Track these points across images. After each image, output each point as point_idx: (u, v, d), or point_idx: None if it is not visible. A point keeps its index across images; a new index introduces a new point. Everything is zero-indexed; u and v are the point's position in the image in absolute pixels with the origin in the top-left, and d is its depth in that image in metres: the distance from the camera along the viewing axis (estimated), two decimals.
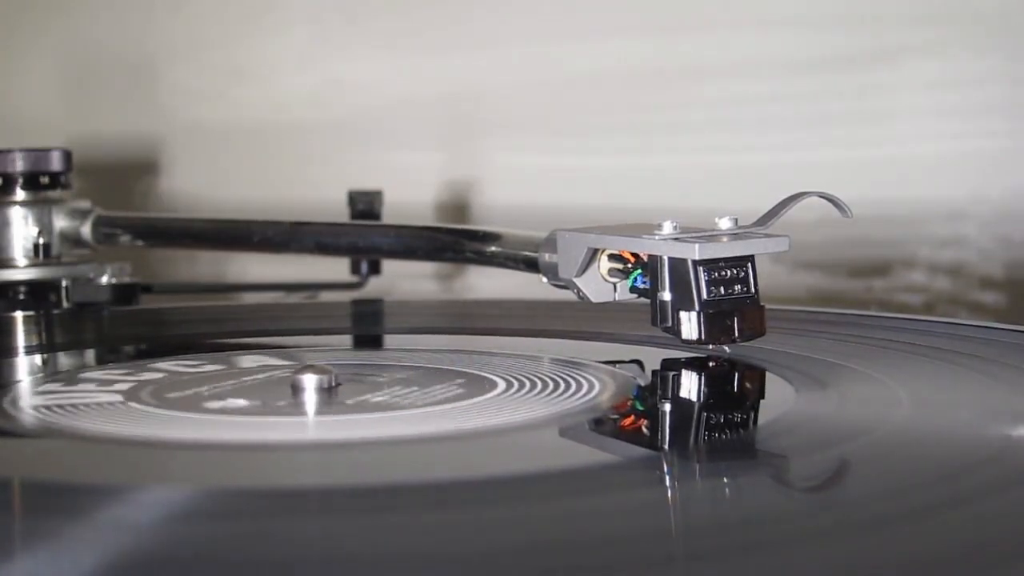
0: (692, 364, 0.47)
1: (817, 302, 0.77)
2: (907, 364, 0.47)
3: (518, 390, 0.43)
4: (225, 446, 0.37)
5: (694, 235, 0.46)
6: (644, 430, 0.40)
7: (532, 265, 0.53)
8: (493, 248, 0.57)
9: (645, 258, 0.47)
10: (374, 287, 0.75)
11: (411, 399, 0.41)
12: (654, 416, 0.42)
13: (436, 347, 0.51)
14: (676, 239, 0.45)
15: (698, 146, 0.82)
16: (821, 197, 0.47)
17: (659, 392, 0.45)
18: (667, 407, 0.43)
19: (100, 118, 1.01)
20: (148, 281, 0.72)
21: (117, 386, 0.44)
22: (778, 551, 0.28)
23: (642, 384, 0.46)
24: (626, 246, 0.48)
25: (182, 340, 0.60)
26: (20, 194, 0.69)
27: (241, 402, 0.42)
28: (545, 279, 0.52)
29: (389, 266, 0.75)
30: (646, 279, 0.47)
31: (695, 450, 0.38)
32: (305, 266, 0.78)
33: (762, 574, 0.27)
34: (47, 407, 0.41)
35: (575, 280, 0.50)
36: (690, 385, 0.46)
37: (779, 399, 0.41)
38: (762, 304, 0.46)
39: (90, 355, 0.56)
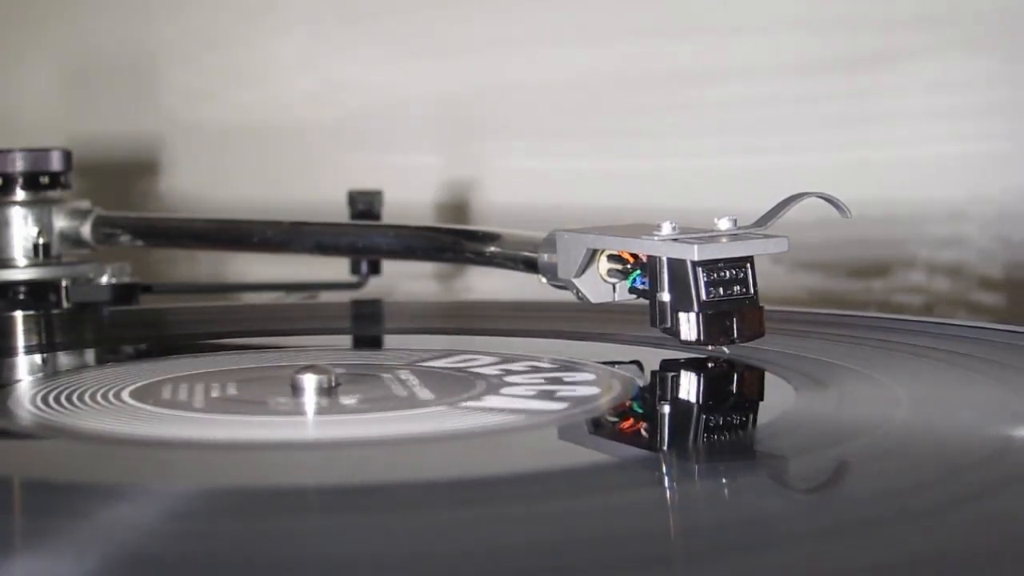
0: (691, 365, 0.47)
1: (817, 302, 0.77)
2: (907, 364, 0.47)
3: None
4: (225, 446, 0.37)
5: (693, 236, 0.46)
6: (643, 431, 0.41)
7: (531, 265, 0.53)
8: (492, 248, 0.57)
9: (644, 259, 0.47)
10: (374, 287, 0.75)
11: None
12: (653, 417, 0.42)
13: (436, 347, 0.51)
14: (675, 240, 0.45)
15: (697, 147, 0.82)
16: (820, 198, 0.47)
17: (658, 393, 0.45)
18: (666, 408, 0.43)
19: (100, 118, 1.01)
20: (148, 281, 0.72)
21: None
22: (778, 551, 0.28)
23: (641, 385, 0.46)
24: (625, 247, 0.48)
25: (182, 340, 0.60)
26: (20, 194, 0.69)
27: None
28: (544, 279, 0.52)
29: (389, 266, 0.75)
30: (645, 280, 0.47)
31: (694, 451, 0.38)
32: (305, 266, 0.78)
33: (762, 574, 0.27)
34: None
35: (574, 280, 0.50)
36: (689, 386, 0.46)
37: (779, 399, 0.41)
38: (761, 305, 0.46)
39: (90, 355, 0.56)
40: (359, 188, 0.73)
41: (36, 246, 0.68)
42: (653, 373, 0.47)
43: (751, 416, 0.42)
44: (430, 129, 0.91)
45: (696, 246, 0.44)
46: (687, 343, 0.45)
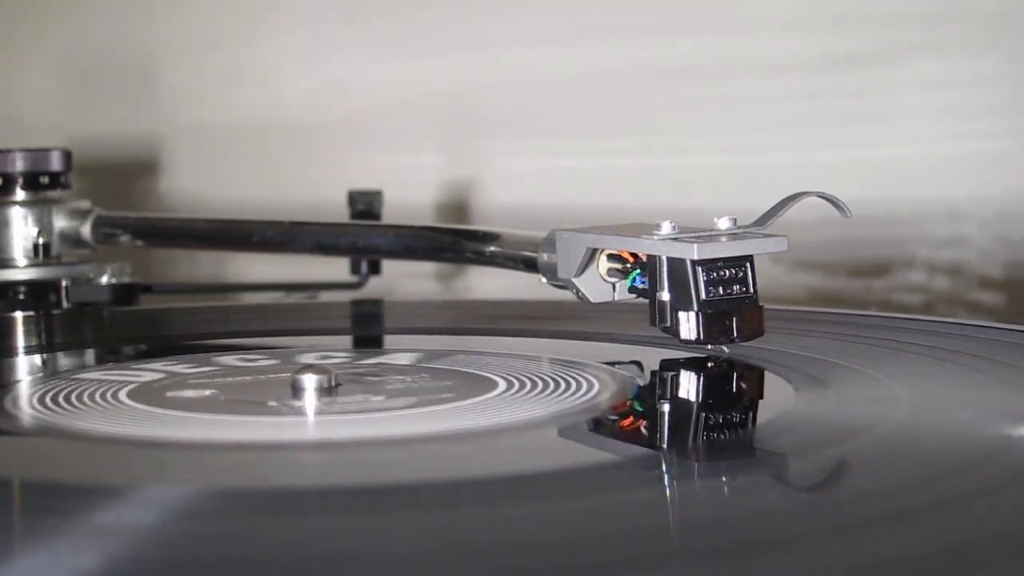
0: (691, 364, 0.47)
1: (817, 302, 0.77)
2: (907, 364, 0.47)
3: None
4: (225, 446, 0.37)
5: (693, 235, 0.46)
6: (643, 430, 0.41)
7: (531, 265, 0.53)
8: (492, 248, 0.57)
9: (644, 258, 0.47)
10: (374, 287, 0.75)
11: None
12: (653, 416, 0.42)
13: (436, 347, 0.51)
14: (675, 239, 0.45)
15: (697, 146, 0.82)
16: (820, 197, 0.47)
17: (658, 392, 0.45)
18: (666, 407, 0.43)
19: (100, 118, 1.01)
20: (148, 281, 0.72)
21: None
22: (777, 551, 0.28)
23: (641, 384, 0.46)
24: (625, 246, 0.48)
25: (182, 340, 0.60)
26: (20, 194, 0.69)
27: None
28: (544, 279, 0.52)
29: (389, 266, 0.75)
30: (645, 279, 0.47)
31: (694, 450, 0.38)
32: (305, 266, 0.78)
33: (762, 574, 0.27)
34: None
35: (574, 280, 0.50)
36: (689, 385, 0.46)
37: (779, 399, 0.41)
38: (761, 304, 0.46)
39: (90, 355, 0.56)
40: (359, 188, 0.73)
41: (36, 246, 0.68)
42: (653, 373, 0.47)
43: (751, 415, 0.42)
44: (430, 129, 0.91)
45: (696, 245, 0.44)
46: (687, 342, 0.45)
